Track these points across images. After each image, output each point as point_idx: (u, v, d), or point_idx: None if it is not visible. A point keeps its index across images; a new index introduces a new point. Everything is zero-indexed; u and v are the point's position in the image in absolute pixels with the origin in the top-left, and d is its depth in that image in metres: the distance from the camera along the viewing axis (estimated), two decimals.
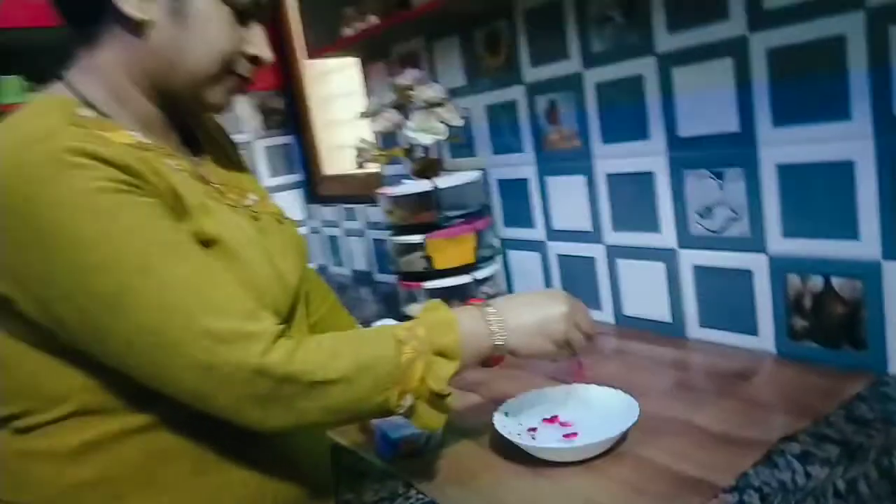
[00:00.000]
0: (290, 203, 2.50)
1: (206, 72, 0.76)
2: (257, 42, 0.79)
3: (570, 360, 0.89)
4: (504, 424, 0.93)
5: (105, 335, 0.65)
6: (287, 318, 0.81)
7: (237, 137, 2.33)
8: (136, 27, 0.72)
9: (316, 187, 2.52)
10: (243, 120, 2.39)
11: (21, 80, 1.96)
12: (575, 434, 0.92)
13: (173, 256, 0.65)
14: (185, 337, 0.64)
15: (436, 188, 1.43)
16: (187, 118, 0.86)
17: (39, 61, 1.95)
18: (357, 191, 2.21)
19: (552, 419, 0.97)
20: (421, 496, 0.86)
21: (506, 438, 0.90)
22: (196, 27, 0.74)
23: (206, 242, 0.72)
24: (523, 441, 0.89)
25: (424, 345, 0.74)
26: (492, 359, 0.82)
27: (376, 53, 1.86)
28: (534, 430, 0.95)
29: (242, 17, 0.77)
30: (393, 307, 1.69)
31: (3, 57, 1.95)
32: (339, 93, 2.32)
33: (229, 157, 0.93)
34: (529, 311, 0.83)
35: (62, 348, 0.68)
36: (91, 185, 0.63)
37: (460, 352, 0.76)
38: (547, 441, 0.91)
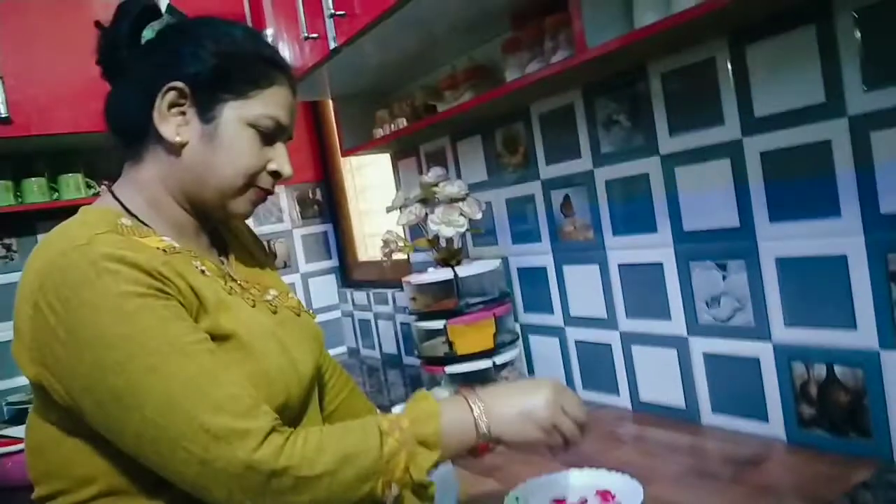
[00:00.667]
0: (325, 288, 2.61)
1: (232, 186, 0.86)
2: (279, 159, 0.88)
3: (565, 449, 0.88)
4: None
5: (119, 427, 0.72)
6: (301, 405, 0.87)
7: (277, 227, 2.50)
8: (172, 147, 0.84)
9: (349, 273, 2.63)
10: (283, 210, 2.54)
11: (80, 178, 2.13)
12: None
13: (181, 357, 0.72)
14: (185, 432, 0.70)
15: (456, 276, 1.51)
16: (216, 223, 0.96)
17: (98, 161, 2.15)
18: (387, 276, 2.31)
19: (561, 502, 1.00)
20: None
21: None
22: (224, 148, 0.84)
23: (223, 336, 0.80)
24: None
25: (407, 435, 0.77)
26: (478, 447, 0.83)
27: (406, 151, 2.00)
28: None
29: (267, 138, 0.86)
30: (418, 388, 1.74)
31: (66, 157, 2.14)
32: (374, 184, 2.45)
33: (254, 255, 1.02)
34: (513, 398, 0.84)
35: (90, 434, 0.76)
36: (119, 290, 0.71)
37: (441, 441, 0.79)
38: None
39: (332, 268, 2.64)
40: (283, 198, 2.54)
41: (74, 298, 0.71)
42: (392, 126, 1.73)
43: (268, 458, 0.71)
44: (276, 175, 0.89)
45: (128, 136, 0.87)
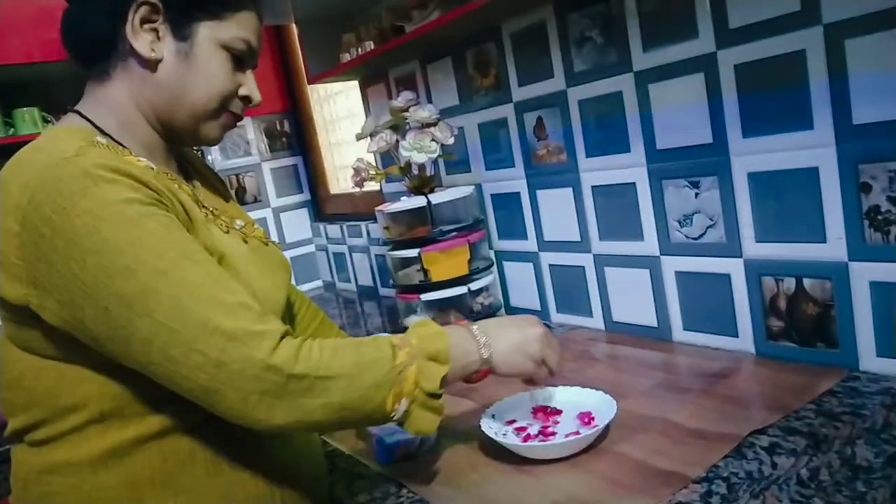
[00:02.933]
0: (297, 222, 2.57)
1: (206, 108, 0.84)
2: (249, 84, 0.88)
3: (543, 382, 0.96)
4: (490, 426, 0.98)
5: (127, 334, 0.69)
6: None
7: (245, 160, 2.44)
8: (146, 64, 0.81)
9: (322, 206, 2.59)
10: (251, 143, 2.48)
11: (36, 112, 2.05)
12: (555, 433, 0.96)
13: (190, 262, 0.71)
14: (199, 335, 0.68)
15: (430, 203, 1.49)
16: (180, 150, 0.94)
17: (53, 94, 2.06)
18: (360, 209, 2.29)
19: (539, 410, 1.02)
20: (412, 495, 0.91)
21: (493, 439, 0.95)
22: (199, 69, 0.82)
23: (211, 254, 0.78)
24: (507, 440, 0.94)
25: (417, 350, 0.80)
26: (476, 373, 0.88)
27: (374, 77, 1.94)
28: (523, 429, 1.00)
29: (238, 62, 0.85)
30: (395, 320, 1.75)
31: (19, 90, 2.05)
32: (344, 114, 2.40)
33: (215, 187, 1.00)
34: (510, 331, 0.90)
35: (79, 358, 0.73)
36: (120, 197, 0.69)
37: (450, 357, 0.81)
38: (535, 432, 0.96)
39: (304, 201, 2.60)
40: (250, 130, 2.47)
41: (73, 208, 0.68)
42: (359, 50, 1.67)
43: (286, 358, 0.70)
44: (246, 100, 0.88)
45: (92, 53, 0.82)
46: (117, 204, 0.69)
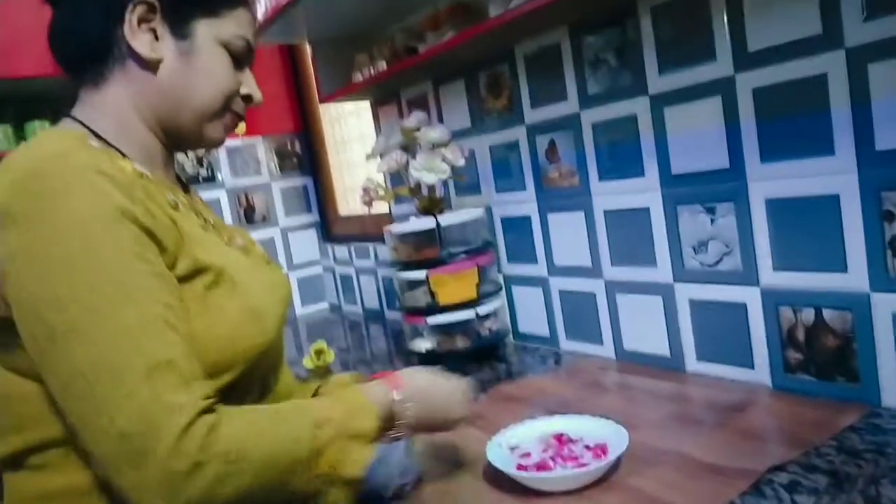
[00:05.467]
0: (305, 242, 2.56)
1: (210, 107, 0.83)
2: (250, 83, 0.88)
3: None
4: (496, 455, 0.94)
5: (49, 369, 0.65)
6: (281, 350, 0.84)
7: (255, 180, 2.44)
8: (147, 65, 0.79)
9: (330, 227, 2.58)
10: (261, 162, 2.47)
11: (48, 125, 2.06)
12: (564, 464, 0.93)
13: (126, 302, 0.65)
14: (111, 395, 0.62)
15: (439, 225, 1.46)
16: (188, 149, 0.92)
17: (65, 107, 2.07)
18: (369, 231, 2.27)
19: (555, 437, 0.99)
20: None
21: (499, 469, 0.91)
22: (201, 68, 0.81)
23: (207, 269, 0.75)
24: (514, 471, 0.90)
25: (341, 428, 0.74)
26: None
27: (386, 97, 1.93)
28: (528, 455, 0.96)
29: (237, 61, 0.85)
30: (401, 343, 1.72)
31: (31, 104, 2.05)
32: (355, 135, 2.39)
33: (210, 210, 0.97)
34: (434, 401, 0.88)
35: None
36: (91, 209, 0.66)
37: (375, 434, 0.77)
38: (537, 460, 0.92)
39: (313, 222, 2.58)
40: (261, 149, 2.47)
41: (49, 210, 0.65)
42: (372, 70, 1.67)
43: (196, 442, 0.63)
44: (247, 99, 0.88)
45: (86, 57, 0.80)
46: (85, 218, 0.65)
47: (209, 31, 0.81)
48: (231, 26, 0.83)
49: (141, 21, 0.78)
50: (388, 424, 0.81)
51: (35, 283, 0.65)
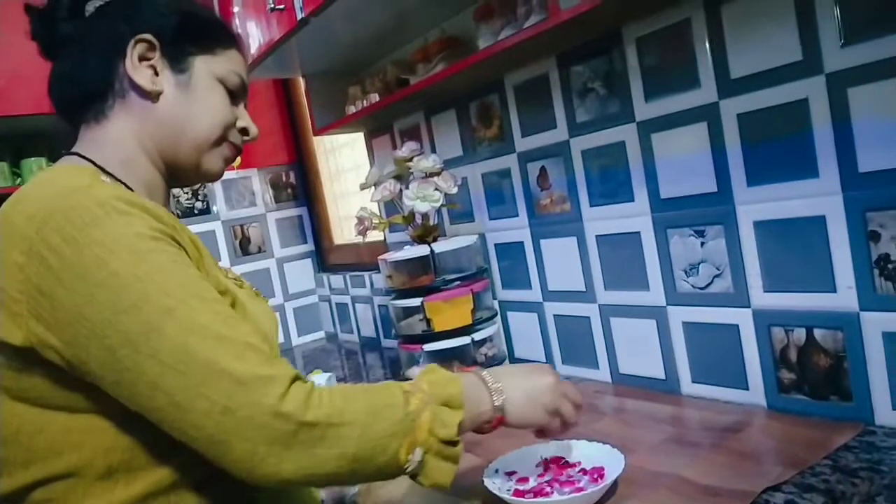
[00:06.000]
0: (300, 272, 2.57)
1: (209, 138, 0.86)
2: (245, 118, 0.92)
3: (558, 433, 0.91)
4: (494, 482, 0.94)
5: (133, 378, 0.66)
6: None
7: (250, 211, 2.45)
8: (148, 96, 0.82)
9: (325, 257, 2.59)
10: (256, 193, 2.49)
11: (44, 163, 2.07)
12: (561, 489, 0.93)
13: (197, 300, 0.68)
14: (205, 378, 0.65)
15: (433, 252, 1.48)
16: (187, 184, 0.94)
17: (61, 145, 2.09)
18: (364, 259, 2.28)
19: (553, 461, 0.99)
20: None
21: (496, 495, 0.91)
22: (200, 100, 0.85)
23: (223, 293, 0.77)
24: (511, 497, 0.90)
25: (429, 396, 0.75)
26: (488, 423, 0.84)
27: (379, 128, 1.96)
28: (525, 480, 0.96)
29: (232, 96, 0.89)
30: (397, 371, 1.72)
31: (28, 141, 2.08)
32: (349, 166, 2.41)
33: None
34: (523, 379, 0.87)
35: (89, 406, 0.69)
36: (132, 230, 0.68)
37: (464, 402, 0.78)
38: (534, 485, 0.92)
39: (308, 252, 2.60)
40: (256, 181, 2.49)
41: (82, 238, 0.65)
42: (364, 102, 1.69)
43: (297, 405, 0.66)
44: (244, 132, 0.92)
45: (88, 97, 0.83)
46: (129, 236, 0.67)
47: (206, 67, 0.85)
48: (226, 63, 0.87)
49: (141, 58, 0.82)
50: (482, 402, 0.82)
51: (96, 299, 0.65)
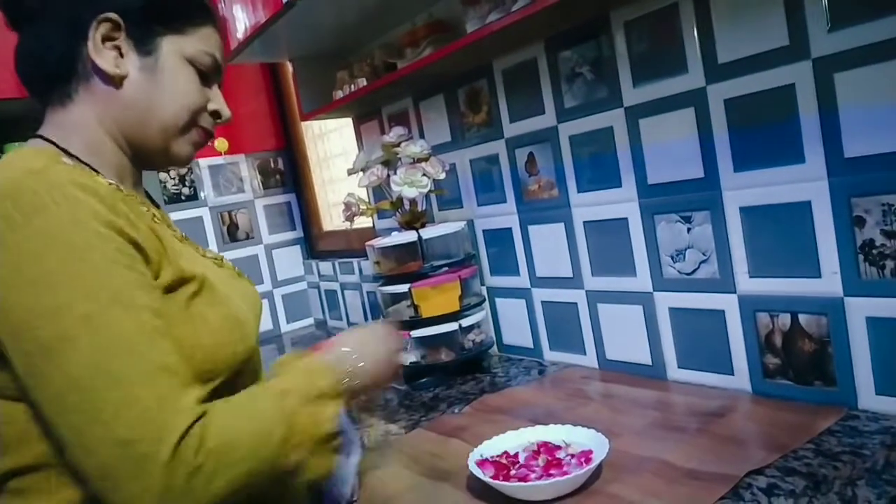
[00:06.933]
0: (289, 259, 2.55)
1: (176, 123, 0.83)
2: (217, 100, 0.88)
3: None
4: (478, 465, 0.95)
5: (39, 384, 0.64)
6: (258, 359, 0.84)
7: (238, 197, 2.43)
8: (111, 81, 0.79)
9: (314, 244, 2.58)
10: (244, 180, 2.47)
11: None
12: (558, 464, 0.93)
13: (121, 309, 0.65)
14: (107, 402, 0.62)
15: (420, 238, 1.47)
16: (156, 168, 0.92)
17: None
18: (353, 246, 2.27)
19: (541, 445, 0.99)
20: None
21: (481, 480, 0.91)
22: (166, 83, 0.81)
23: (192, 278, 0.75)
24: (494, 481, 0.91)
25: (305, 393, 0.74)
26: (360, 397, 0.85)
27: (368, 113, 1.95)
28: (514, 461, 0.96)
29: (204, 77, 0.85)
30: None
31: (12, 125, 2.04)
32: (338, 152, 2.40)
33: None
34: (376, 346, 0.88)
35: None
36: (76, 218, 0.65)
37: (339, 390, 0.78)
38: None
39: (297, 238, 2.58)
40: (244, 167, 2.46)
41: (25, 227, 0.64)
42: (352, 87, 1.68)
43: (194, 447, 0.63)
44: (215, 115, 0.88)
45: (52, 77, 0.80)
46: (70, 226, 0.65)
47: (174, 48, 0.82)
48: (196, 43, 0.83)
49: (105, 39, 0.78)
50: (346, 383, 0.80)
51: (23, 297, 0.64)
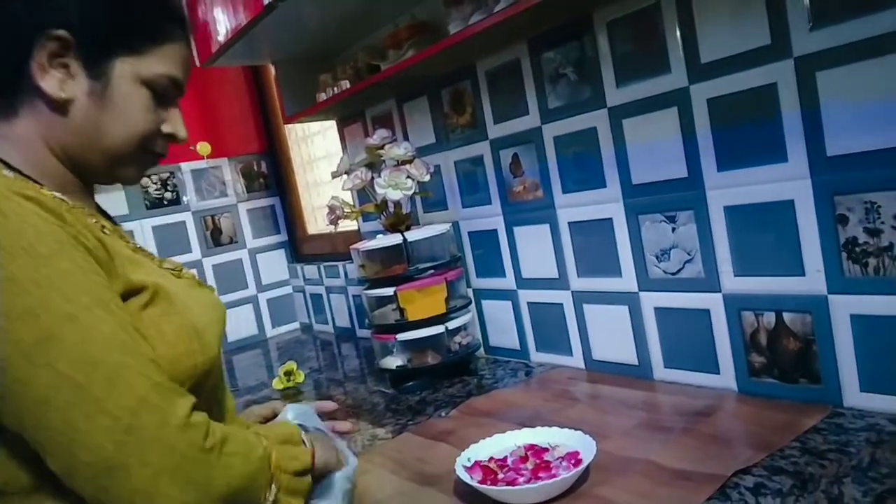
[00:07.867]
0: (274, 263, 2.54)
1: (123, 151, 0.78)
2: (173, 120, 0.81)
3: None
4: (466, 470, 0.94)
5: (22, 389, 0.60)
6: (221, 372, 0.83)
7: (221, 201, 2.41)
8: (55, 104, 0.73)
9: (299, 247, 2.56)
10: (227, 184, 2.45)
11: None
12: (545, 467, 0.92)
13: (103, 310, 0.63)
14: (108, 392, 0.60)
15: (405, 241, 1.46)
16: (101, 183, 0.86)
17: None
18: (338, 249, 2.26)
19: (528, 448, 0.99)
20: None
21: (469, 484, 0.91)
22: (115, 110, 0.75)
23: (144, 289, 0.72)
24: (481, 486, 0.90)
25: (272, 437, 0.76)
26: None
27: (351, 116, 1.94)
28: (502, 464, 0.95)
29: (161, 98, 0.79)
30: (372, 362, 1.70)
31: None
32: (321, 155, 2.38)
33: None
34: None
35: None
36: (32, 228, 0.62)
37: (301, 440, 0.80)
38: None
39: (281, 242, 2.57)
40: (227, 171, 2.44)
41: None
42: (336, 89, 1.67)
43: (200, 427, 0.64)
44: (170, 138, 0.82)
45: None
46: (28, 236, 0.61)
47: (129, 70, 0.75)
48: (154, 64, 0.77)
49: (53, 57, 0.72)
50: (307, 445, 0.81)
51: None
